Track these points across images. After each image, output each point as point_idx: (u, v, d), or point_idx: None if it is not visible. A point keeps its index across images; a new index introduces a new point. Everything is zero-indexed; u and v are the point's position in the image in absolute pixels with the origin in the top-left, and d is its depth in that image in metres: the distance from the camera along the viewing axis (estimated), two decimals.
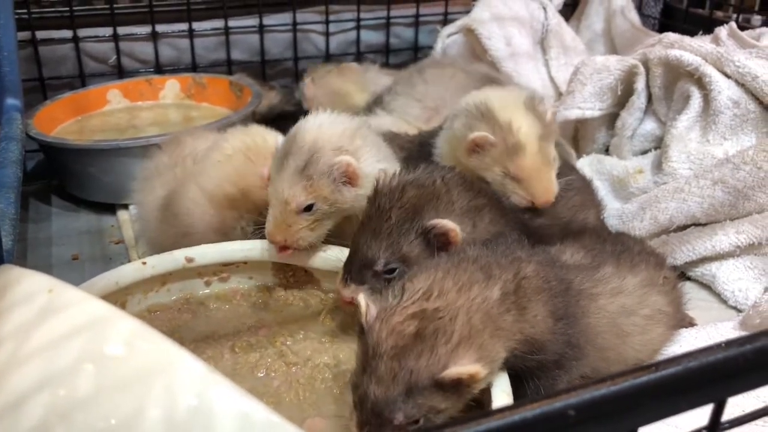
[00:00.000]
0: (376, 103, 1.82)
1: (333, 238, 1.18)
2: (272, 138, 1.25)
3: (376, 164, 1.14)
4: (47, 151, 1.75)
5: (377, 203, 1.02)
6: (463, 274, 0.85)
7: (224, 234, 1.24)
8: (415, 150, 1.40)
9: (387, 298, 0.84)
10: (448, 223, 0.98)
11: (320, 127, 1.13)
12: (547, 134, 1.22)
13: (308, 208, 1.10)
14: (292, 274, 1.22)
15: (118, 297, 1.11)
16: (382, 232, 1.00)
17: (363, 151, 1.13)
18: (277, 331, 1.11)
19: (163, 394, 0.59)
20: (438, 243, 0.99)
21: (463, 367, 0.78)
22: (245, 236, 1.24)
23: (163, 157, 1.37)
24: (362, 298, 0.86)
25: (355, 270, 1.01)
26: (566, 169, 1.29)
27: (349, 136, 1.14)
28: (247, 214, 1.24)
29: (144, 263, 1.13)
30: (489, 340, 0.82)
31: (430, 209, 1.01)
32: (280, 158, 1.12)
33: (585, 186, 1.34)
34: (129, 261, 1.38)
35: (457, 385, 0.79)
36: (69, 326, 0.64)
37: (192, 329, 1.13)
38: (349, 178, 1.10)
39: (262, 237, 1.15)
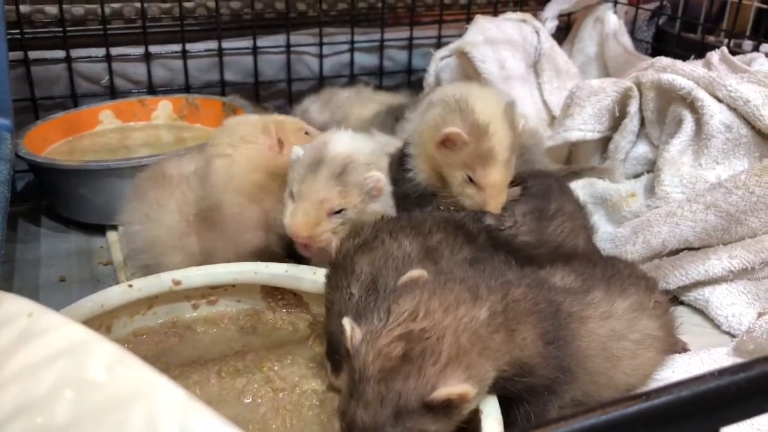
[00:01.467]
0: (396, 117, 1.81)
1: None
2: (246, 117, 1.41)
3: (390, 185, 1.24)
4: (37, 172, 1.74)
5: (334, 281, 1.01)
6: (450, 294, 0.83)
7: (266, 225, 1.32)
8: (395, 163, 1.37)
9: (372, 321, 0.82)
10: (414, 271, 0.94)
11: (352, 141, 1.24)
12: (515, 145, 1.22)
13: (338, 212, 1.19)
14: (281, 298, 1.20)
15: (103, 320, 1.09)
16: (348, 312, 0.97)
17: (385, 171, 1.24)
18: (265, 355, 1.10)
19: (144, 422, 0.57)
20: None
21: (452, 387, 0.76)
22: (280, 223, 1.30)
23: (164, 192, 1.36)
24: (347, 322, 0.85)
25: (339, 357, 0.98)
26: (556, 195, 1.27)
27: (378, 154, 1.26)
28: (280, 192, 1.31)
29: (130, 286, 1.11)
30: (477, 359, 0.80)
31: (390, 271, 0.98)
32: (310, 163, 1.20)
33: (577, 210, 1.32)
34: (117, 283, 1.37)
35: (447, 406, 0.77)
36: (48, 351, 0.63)
37: (178, 353, 1.11)
38: (377, 192, 1.20)
39: None
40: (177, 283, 1.14)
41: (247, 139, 1.31)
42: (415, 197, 1.28)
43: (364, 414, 0.77)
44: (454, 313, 0.81)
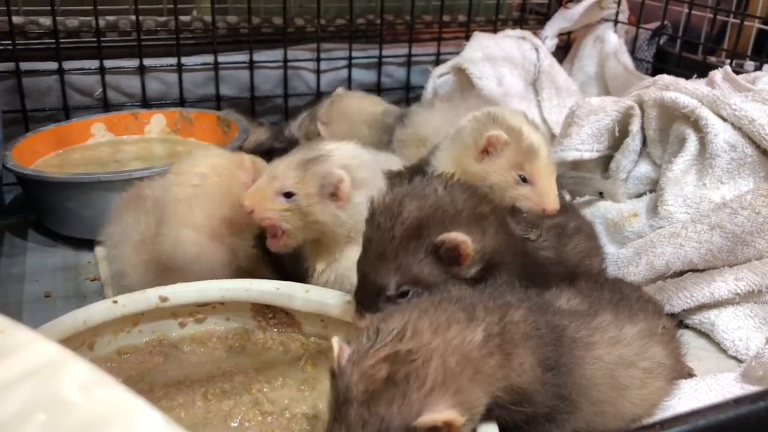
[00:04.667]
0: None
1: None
2: (216, 149, 1.37)
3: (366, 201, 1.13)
4: (25, 184, 1.69)
5: (376, 222, 0.96)
6: (442, 314, 0.80)
7: (232, 264, 1.24)
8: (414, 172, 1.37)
9: (362, 340, 0.79)
10: (458, 236, 0.93)
11: (342, 146, 1.21)
12: (548, 144, 1.27)
13: (288, 195, 1.15)
14: (272, 316, 1.15)
15: (86, 337, 1.05)
16: (388, 254, 0.94)
17: (363, 184, 1.16)
18: (254, 377, 1.05)
19: None
20: (448, 258, 0.95)
21: (437, 414, 0.72)
22: (251, 260, 1.27)
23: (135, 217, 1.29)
24: (336, 341, 0.81)
25: (367, 299, 0.96)
26: (573, 214, 1.27)
27: (359, 165, 1.18)
28: (248, 232, 1.26)
29: (115, 302, 1.07)
30: (468, 385, 0.77)
31: (436, 223, 0.95)
32: (294, 152, 1.21)
33: (591, 233, 1.32)
34: (104, 299, 1.32)
35: None
36: (19, 370, 0.59)
37: (163, 373, 1.06)
38: (336, 195, 1.14)
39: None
40: (164, 299, 1.10)
41: (219, 171, 1.24)
42: None
43: None
44: (444, 334, 0.78)
